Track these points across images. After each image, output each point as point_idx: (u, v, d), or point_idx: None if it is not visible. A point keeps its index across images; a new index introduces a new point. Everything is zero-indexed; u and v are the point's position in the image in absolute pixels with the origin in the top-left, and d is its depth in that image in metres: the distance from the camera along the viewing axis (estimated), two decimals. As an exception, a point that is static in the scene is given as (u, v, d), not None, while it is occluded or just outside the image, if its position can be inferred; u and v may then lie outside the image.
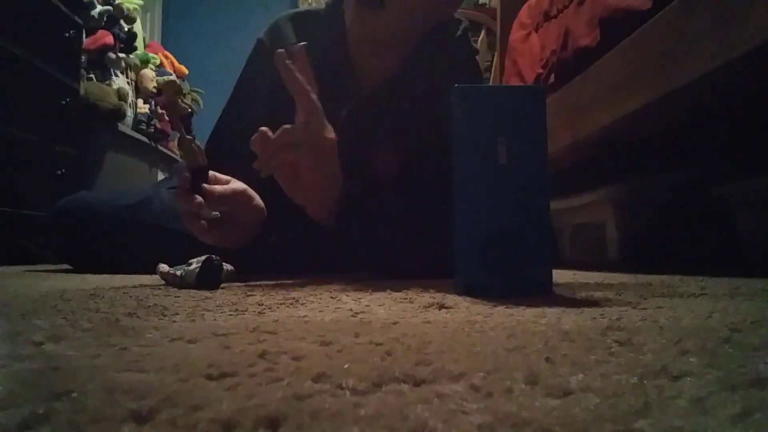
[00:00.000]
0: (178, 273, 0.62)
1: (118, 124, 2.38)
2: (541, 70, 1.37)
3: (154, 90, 2.84)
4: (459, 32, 0.93)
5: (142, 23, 2.94)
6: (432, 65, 0.87)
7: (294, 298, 0.49)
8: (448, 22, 0.93)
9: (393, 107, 0.88)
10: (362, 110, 0.88)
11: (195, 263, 0.61)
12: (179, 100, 0.73)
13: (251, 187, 0.86)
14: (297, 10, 1.01)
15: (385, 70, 0.89)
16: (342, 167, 0.76)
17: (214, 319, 0.36)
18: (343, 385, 0.19)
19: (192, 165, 0.70)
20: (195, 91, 3.28)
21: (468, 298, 0.48)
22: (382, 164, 0.86)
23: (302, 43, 0.73)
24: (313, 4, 3.97)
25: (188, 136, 0.71)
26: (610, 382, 0.19)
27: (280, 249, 0.97)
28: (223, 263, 0.63)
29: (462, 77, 0.80)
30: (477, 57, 1.05)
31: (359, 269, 1.04)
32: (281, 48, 0.93)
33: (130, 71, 2.66)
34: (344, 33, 0.88)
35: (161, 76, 2.94)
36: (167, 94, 0.71)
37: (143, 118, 2.66)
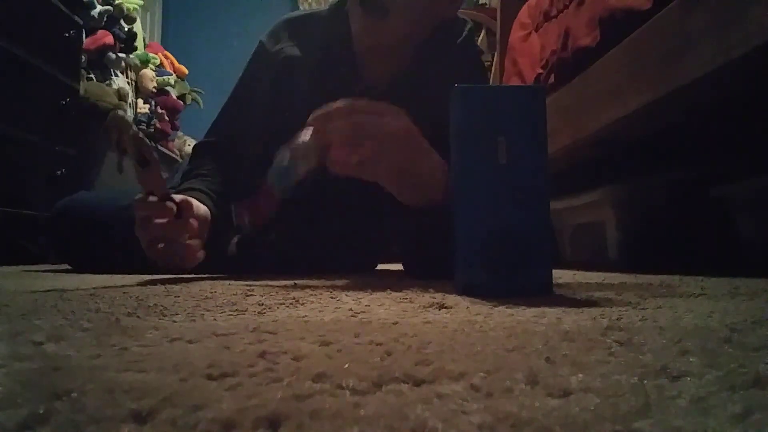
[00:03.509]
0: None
1: (118, 124, 2.38)
2: (541, 70, 1.37)
3: (154, 90, 2.84)
4: (465, 32, 0.94)
5: (142, 23, 2.94)
6: (437, 65, 0.88)
7: (294, 298, 0.49)
8: (452, 22, 0.93)
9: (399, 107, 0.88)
10: None
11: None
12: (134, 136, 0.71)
13: (245, 183, 0.87)
14: (298, 13, 1.02)
15: (390, 70, 0.89)
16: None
17: (214, 319, 0.36)
18: (343, 385, 0.19)
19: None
20: (195, 91, 3.29)
21: (468, 298, 0.48)
22: None
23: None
24: (313, 5, 3.97)
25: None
26: (610, 382, 0.19)
27: (278, 247, 0.98)
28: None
29: (467, 77, 0.80)
30: (482, 57, 1.05)
31: (358, 269, 1.04)
32: (277, 50, 0.94)
33: (130, 71, 2.67)
34: (348, 34, 0.89)
35: (161, 76, 2.95)
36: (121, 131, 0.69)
37: (143, 118, 2.66)
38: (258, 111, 0.96)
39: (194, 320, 0.35)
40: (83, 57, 2.19)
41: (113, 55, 2.45)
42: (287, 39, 0.94)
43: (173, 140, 3.12)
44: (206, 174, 0.91)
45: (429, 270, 0.75)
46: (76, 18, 1.98)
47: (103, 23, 2.39)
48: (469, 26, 0.95)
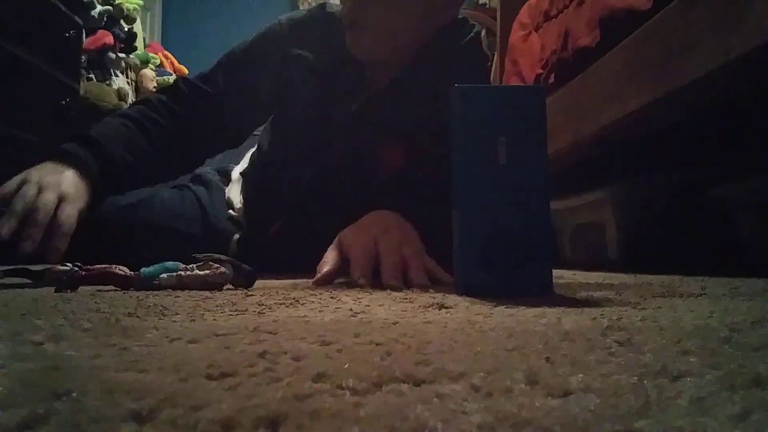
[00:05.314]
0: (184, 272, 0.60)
1: (118, 124, 2.38)
2: (541, 70, 1.37)
3: (154, 90, 2.84)
4: (471, 35, 0.94)
5: (142, 23, 2.94)
6: (437, 67, 0.88)
7: (294, 298, 0.49)
8: (459, 25, 0.94)
9: (399, 106, 0.89)
10: (371, 106, 0.90)
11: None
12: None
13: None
14: (324, 5, 1.03)
15: (389, 73, 0.91)
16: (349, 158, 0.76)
17: (214, 319, 0.36)
18: (343, 385, 0.19)
19: None
20: (195, 91, 3.28)
21: (468, 298, 0.48)
22: (387, 158, 0.88)
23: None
24: (313, 4, 3.97)
25: None
26: (610, 382, 0.19)
27: (279, 247, 0.98)
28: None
29: (466, 79, 0.81)
30: (487, 62, 1.07)
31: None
32: (295, 35, 0.95)
33: (130, 71, 2.67)
34: None
35: (161, 76, 2.94)
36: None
37: (143, 118, 2.66)
38: (260, 93, 0.98)
39: (194, 320, 0.35)
40: (83, 57, 2.19)
41: (113, 55, 2.45)
42: (306, 35, 0.96)
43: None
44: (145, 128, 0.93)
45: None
46: (76, 18, 1.98)
47: (103, 23, 2.40)
48: (476, 29, 0.95)
